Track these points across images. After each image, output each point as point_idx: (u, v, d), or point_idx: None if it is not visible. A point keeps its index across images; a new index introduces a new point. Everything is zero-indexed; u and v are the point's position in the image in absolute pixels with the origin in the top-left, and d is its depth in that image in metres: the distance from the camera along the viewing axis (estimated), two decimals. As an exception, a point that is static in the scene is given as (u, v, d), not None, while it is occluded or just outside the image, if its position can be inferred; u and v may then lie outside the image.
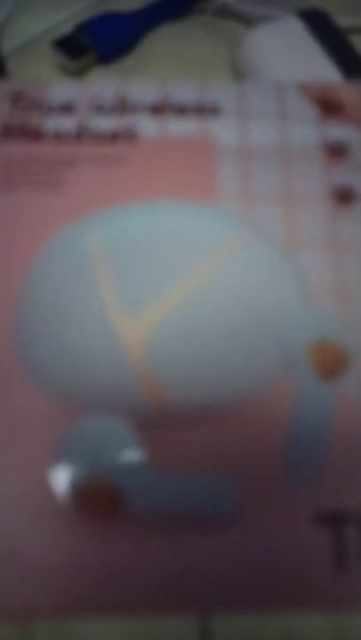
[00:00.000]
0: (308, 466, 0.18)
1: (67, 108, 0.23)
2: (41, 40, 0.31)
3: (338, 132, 0.23)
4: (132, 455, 0.18)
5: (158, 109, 0.23)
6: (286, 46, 0.28)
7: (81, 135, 0.23)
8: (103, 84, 0.24)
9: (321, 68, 0.27)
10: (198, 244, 0.21)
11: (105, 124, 0.23)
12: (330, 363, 0.19)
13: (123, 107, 0.24)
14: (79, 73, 0.30)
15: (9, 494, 0.17)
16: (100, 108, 0.23)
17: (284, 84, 0.24)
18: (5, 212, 0.21)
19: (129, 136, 0.23)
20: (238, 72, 0.30)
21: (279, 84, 0.24)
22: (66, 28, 0.31)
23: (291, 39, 0.28)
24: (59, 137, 0.23)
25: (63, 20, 0.32)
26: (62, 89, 0.24)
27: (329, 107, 0.24)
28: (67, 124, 0.23)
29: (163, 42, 0.31)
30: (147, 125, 0.23)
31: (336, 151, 0.23)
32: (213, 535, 0.17)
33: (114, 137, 0.23)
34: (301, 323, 0.20)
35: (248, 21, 0.32)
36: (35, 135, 0.23)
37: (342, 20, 0.30)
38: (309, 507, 0.17)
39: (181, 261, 0.20)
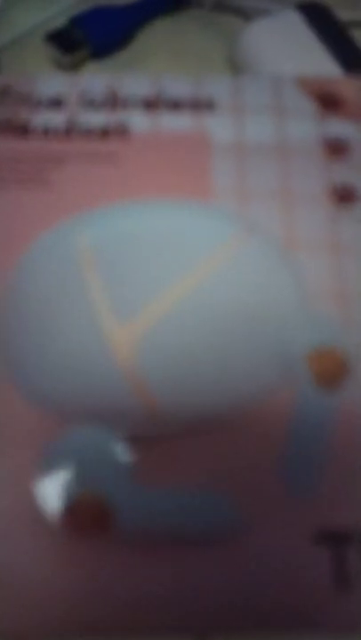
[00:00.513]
0: (308, 479, 0.17)
1: (56, 103, 0.23)
2: (33, 34, 0.30)
3: (338, 128, 0.22)
4: (123, 469, 0.17)
5: (151, 104, 0.23)
6: (285, 40, 0.27)
7: (71, 131, 0.22)
8: (94, 77, 0.23)
9: (321, 63, 0.27)
10: (193, 245, 0.20)
11: (96, 119, 0.22)
12: (330, 370, 0.18)
13: (114, 101, 0.23)
14: (72, 68, 0.29)
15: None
16: (90, 103, 0.23)
17: (282, 79, 0.23)
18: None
19: (121, 132, 0.22)
20: (236, 67, 0.29)
21: (277, 78, 0.23)
22: (59, 22, 0.30)
23: (290, 33, 0.27)
24: (47, 133, 0.22)
25: (56, 14, 0.31)
26: (51, 83, 0.23)
27: (328, 102, 0.23)
28: (56, 119, 0.22)
29: (158, 36, 0.31)
30: (139, 121, 0.22)
31: (336, 148, 0.22)
32: (209, 554, 0.16)
33: (105, 133, 0.22)
34: (300, 328, 0.19)
35: (246, 15, 0.31)
36: (22, 131, 0.22)
37: (343, 14, 0.29)
38: (309, 524, 0.16)
39: (175, 264, 0.19)
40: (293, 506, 0.17)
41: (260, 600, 0.16)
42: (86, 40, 0.29)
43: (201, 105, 0.23)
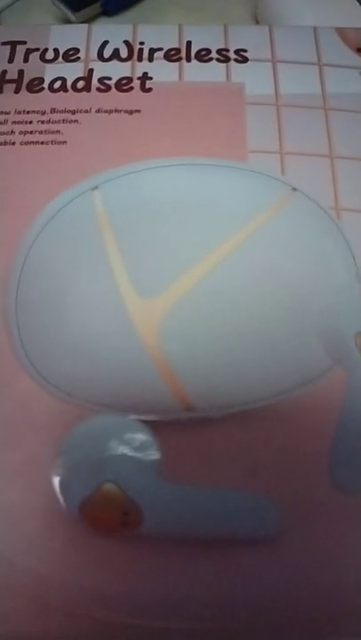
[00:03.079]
0: (359, 473, 0.15)
1: (71, 55, 0.21)
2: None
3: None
4: (148, 460, 0.15)
5: (176, 55, 0.21)
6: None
7: (88, 85, 0.20)
8: (112, 27, 0.21)
9: (354, 17, 0.24)
10: (227, 211, 0.18)
11: (115, 71, 0.20)
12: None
13: (135, 52, 0.21)
14: (82, 26, 0.27)
15: (8, 503, 0.15)
16: (109, 55, 0.21)
17: (321, 29, 0.21)
18: (0, 171, 0.18)
19: (142, 85, 0.20)
20: (259, 22, 0.27)
21: (315, 29, 0.21)
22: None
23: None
24: (62, 87, 0.20)
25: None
26: (67, 34, 0.21)
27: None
28: (71, 72, 0.20)
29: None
30: (163, 73, 0.20)
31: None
32: (246, 557, 0.15)
33: (125, 86, 0.20)
34: (350, 303, 0.17)
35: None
36: (35, 85, 0.20)
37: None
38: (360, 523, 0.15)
39: (209, 230, 0.17)
40: (342, 501, 0.15)
41: (307, 605, 0.14)
42: (97, -4, 0.27)
43: (232, 56, 0.20)
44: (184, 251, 0.17)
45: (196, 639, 0.14)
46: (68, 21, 0.27)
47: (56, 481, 0.15)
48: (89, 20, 0.27)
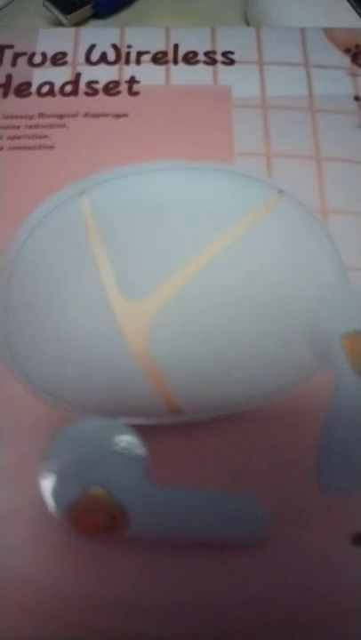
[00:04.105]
0: (345, 475, 0.15)
1: (59, 59, 0.21)
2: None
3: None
4: (135, 464, 0.15)
5: (163, 58, 0.21)
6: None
7: (75, 89, 0.20)
8: (99, 31, 0.21)
9: (344, 17, 0.24)
10: (213, 213, 0.18)
11: (102, 75, 0.20)
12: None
13: (122, 56, 0.21)
14: (73, 28, 0.27)
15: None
16: (96, 59, 0.21)
17: (308, 30, 0.21)
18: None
19: (130, 88, 0.20)
20: (250, 24, 0.27)
21: (302, 29, 0.21)
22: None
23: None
24: (50, 91, 0.20)
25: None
26: (54, 38, 0.21)
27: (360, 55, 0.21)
28: (59, 76, 0.20)
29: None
30: (150, 76, 0.20)
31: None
32: (235, 559, 0.15)
33: (112, 89, 0.20)
34: (337, 304, 0.17)
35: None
36: (23, 90, 0.20)
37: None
38: (348, 524, 0.15)
39: (195, 233, 0.17)
40: (329, 504, 0.15)
41: (294, 608, 0.14)
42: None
43: (219, 58, 0.20)
44: (171, 254, 0.17)
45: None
46: (59, 24, 0.27)
47: (43, 485, 0.15)
48: (80, 23, 0.27)
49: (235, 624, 0.14)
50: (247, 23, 0.27)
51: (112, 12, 0.28)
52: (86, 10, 0.27)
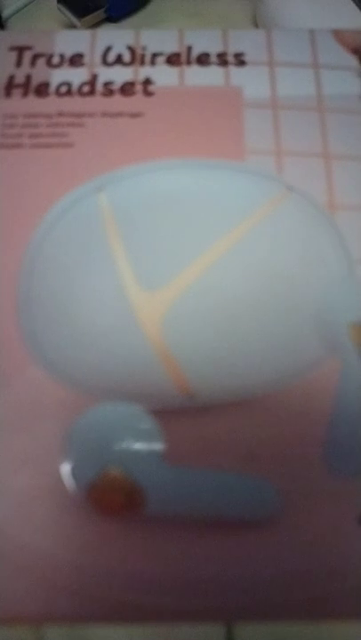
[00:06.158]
0: (353, 458, 0.16)
1: (76, 60, 0.21)
2: (46, -3, 0.29)
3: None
4: (151, 446, 0.16)
5: (177, 60, 0.21)
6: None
7: (92, 89, 0.21)
8: (116, 33, 0.22)
9: (352, 18, 0.25)
10: (226, 208, 0.18)
11: (118, 76, 0.21)
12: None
13: (138, 58, 0.21)
14: (87, 31, 0.28)
15: (18, 488, 0.16)
16: (112, 60, 0.21)
17: (318, 31, 0.22)
18: (10, 173, 0.19)
19: (145, 88, 0.21)
20: (258, 26, 0.27)
21: (311, 31, 0.22)
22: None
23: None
24: (68, 92, 0.21)
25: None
26: (71, 40, 0.22)
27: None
28: (76, 77, 0.21)
29: (176, -3, 0.29)
30: (165, 77, 0.21)
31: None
32: (247, 538, 0.15)
33: (128, 90, 0.21)
34: (344, 295, 0.17)
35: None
36: (42, 90, 0.21)
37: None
38: (355, 505, 0.15)
39: (208, 227, 0.18)
40: (337, 486, 0.16)
41: (303, 586, 0.15)
42: (102, 2, 0.27)
43: (230, 60, 0.21)
44: (185, 246, 0.18)
45: (198, 617, 0.15)
46: (73, 28, 0.27)
47: (63, 466, 0.16)
48: (93, 27, 0.28)
49: (246, 600, 0.15)
50: (256, 25, 0.28)
51: (124, 15, 0.28)
52: (99, 14, 0.27)
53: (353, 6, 0.25)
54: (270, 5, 0.26)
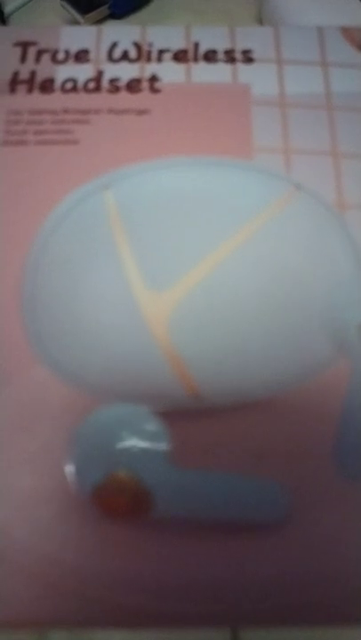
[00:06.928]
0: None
1: (82, 56, 0.21)
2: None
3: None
4: (158, 447, 0.15)
5: (184, 56, 0.21)
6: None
7: (98, 85, 0.20)
8: (121, 29, 0.22)
9: (356, 15, 0.25)
10: (234, 206, 0.18)
11: (124, 72, 0.21)
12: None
13: (144, 54, 0.21)
14: (91, 28, 0.27)
15: (21, 489, 0.15)
16: (118, 57, 0.21)
17: (326, 28, 0.21)
18: (14, 170, 0.19)
19: (151, 85, 0.20)
20: (263, 23, 0.27)
21: (319, 28, 0.21)
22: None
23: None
24: (74, 88, 0.20)
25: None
26: (77, 36, 0.21)
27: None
28: (82, 73, 0.21)
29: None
30: (171, 74, 0.21)
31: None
32: (255, 541, 0.15)
33: (134, 86, 0.20)
34: (354, 294, 0.17)
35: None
36: (47, 86, 0.20)
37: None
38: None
39: (216, 226, 0.18)
40: (347, 489, 0.15)
41: (312, 591, 0.15)
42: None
43: (238, 56, 0.21)
44: (193, 246, 0.18)
45: (205, 621, 0.15)
46: (76, 24, 0.27)
47: (69, 467, 0.15)
48: (97, 23, 0.28)
49: (254, 604, 0.15)
50: (260, 22, 0.28)
51: (128, 12, 0.28)
52: (103, 10, 0.27)
53: (358, 3, 0.25)
54: (275, 2, 0.26)
